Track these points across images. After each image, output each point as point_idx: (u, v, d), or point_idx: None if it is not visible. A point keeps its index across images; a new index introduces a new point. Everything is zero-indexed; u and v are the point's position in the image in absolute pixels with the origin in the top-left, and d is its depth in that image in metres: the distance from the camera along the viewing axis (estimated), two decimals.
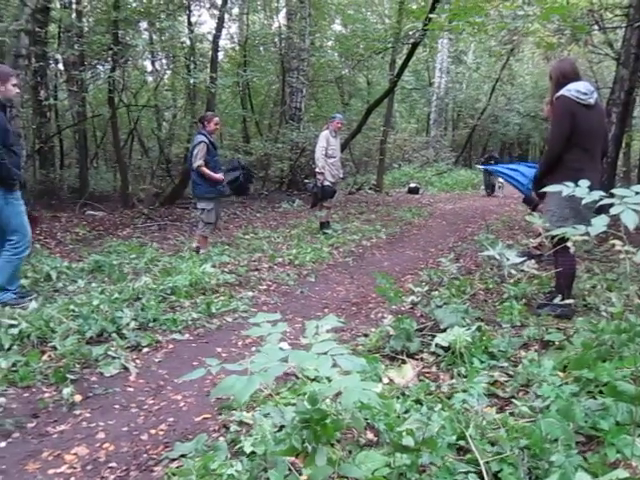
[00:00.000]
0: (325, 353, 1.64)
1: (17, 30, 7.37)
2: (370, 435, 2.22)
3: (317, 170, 8.17)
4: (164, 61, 15.28)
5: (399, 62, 14.28)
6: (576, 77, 3.79)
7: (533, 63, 27.44)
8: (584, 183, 1.73)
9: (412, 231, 9.42)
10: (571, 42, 9.60)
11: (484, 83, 25.58)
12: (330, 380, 1.87)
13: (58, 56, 12.38)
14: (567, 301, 3.25)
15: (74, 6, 12.02)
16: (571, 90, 3.66)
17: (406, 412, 2.35)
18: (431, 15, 7.81)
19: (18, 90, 4.39)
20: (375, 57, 15.21)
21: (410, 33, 12.58)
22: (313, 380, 2.34)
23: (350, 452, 2.04)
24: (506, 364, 2.91)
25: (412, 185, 16.89)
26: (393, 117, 20.08)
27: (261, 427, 2.17)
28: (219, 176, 6.32)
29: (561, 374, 2.56)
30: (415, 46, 12.31)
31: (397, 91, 17.31)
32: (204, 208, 6.41)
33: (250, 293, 5.12)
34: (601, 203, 1.62)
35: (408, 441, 1.96)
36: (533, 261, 3.13)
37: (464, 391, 2.48)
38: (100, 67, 13.00)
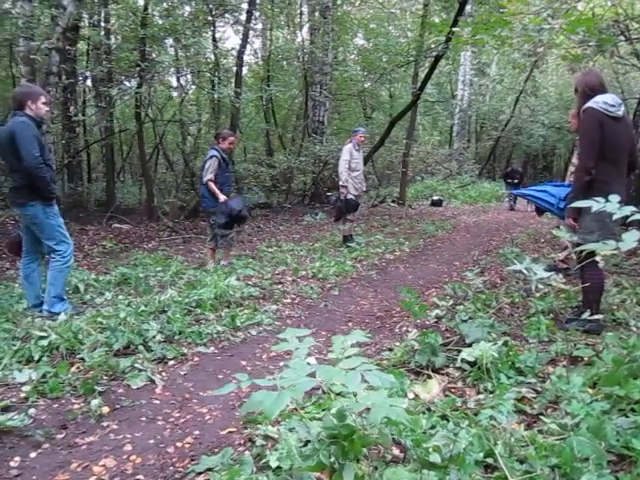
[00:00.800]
0: (354, 369, 1.64)
1: (49, 48, 7.60)
2: (396, 451, 2.20)
3: (340, 183, 8.19)
4: (189, 76, 15.51)
5: (422, 75, 14.29)
6: (602, 89, 3.74)
7: (557, 74, 27.19)
8: (614, 198, 1.71)
9: (436, 244, 9.36)
10: (597, 53, 9.48)
11: (507, 95, 25.43)
12: (354, 395, 1.87)
13: (87, 73, 12.72)
14: (596, 316, 3.21)
15: (103, 24, 12.35)
16: (599, 102, 3.61)
17: (432, 428, 2.33)
18: (454, 29, 7.80)
19: (47, 108, 4.52)
20: (397, 70, 15.25)
21: (432, 46, 12.60)
22: (338, 395, 2.33)
23: (376, 468, 2.03)
24: (534, 380, 2.87)
25: (435, 198, 16.83)
26: (416, 130, 20.05)
27: (287, 442, 2.17)
28: (222, 197, 6.28)
29: (591, 391, 2.52)
30: (438, 59, 12.30)
31: (420, 104, 17.26)
32: (216, 221, 6.42)
33: (274, 306, 5.14)
34: (632, 219, 1.60)
35: (435, 458, 1.95)
36: (560, 275, 3.10)
37: (491, 407, 2.45)
38: (127, 83, 13.28)
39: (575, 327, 3.58)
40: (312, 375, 1.65)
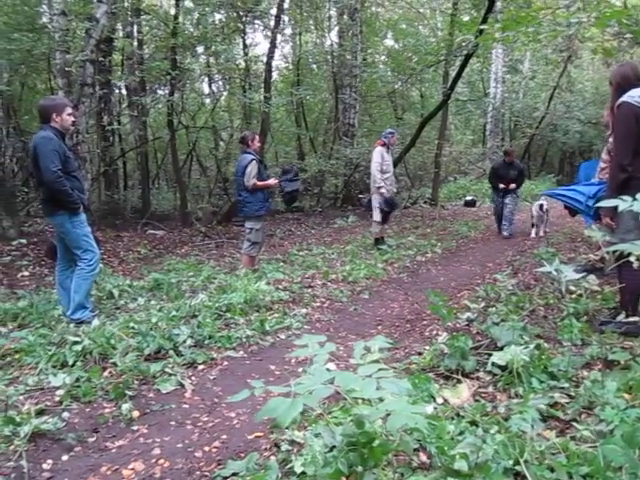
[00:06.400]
0: (370, 376, 1.62)
1: (83, 60, 7.81)
2: (423, 457, 2.16)
3: (377, 185, 8.14)
4: (220, 83, 15.76)
5: (452, 74, 14.13)
6: (638, 82, 3.61)
7: (593, 68, 26.48)
8: None
9: (469, 245, 9.22)
10: (632, 45, 9.22)
11: (541, 91, 24.85)
12: (381, 400, 1.84)
13: (121, 83, 13.02)
14: (632, 318, 3.10)
15: (135, 34, 12.63)
16: (634, 96, 3.47)
17: (461, 434, 2.28)
18: (482, 27, 7.68)
19: (74, 119, 4.64)
20: (428, 70, 15.11)
21: (463, 45, 12.44)
22: (360, 399, 2.30)
23: (402, 475, 2.00)
24: (567, 385, 2.77)
25: (468, 198, 16.57)
26: (448, 129, 19.80)
27: (312, 447, 2.16)
28: (273, 181, 6.45)
29: (626, 396, 2.43)
30: (468, 57, 12.15)
31: (451, 103, 17.07)
32: (252, 227, 6.40)
33: (304, 310, 5.14)
34: None
35: (461, 465, 1.90)
36: (594, 276, 3.00)
37: (521, 412, 2.38)
38: (160, 91, 13.57)
39: (611, 329, 3.46)
40: (330, 381, 1.64)
